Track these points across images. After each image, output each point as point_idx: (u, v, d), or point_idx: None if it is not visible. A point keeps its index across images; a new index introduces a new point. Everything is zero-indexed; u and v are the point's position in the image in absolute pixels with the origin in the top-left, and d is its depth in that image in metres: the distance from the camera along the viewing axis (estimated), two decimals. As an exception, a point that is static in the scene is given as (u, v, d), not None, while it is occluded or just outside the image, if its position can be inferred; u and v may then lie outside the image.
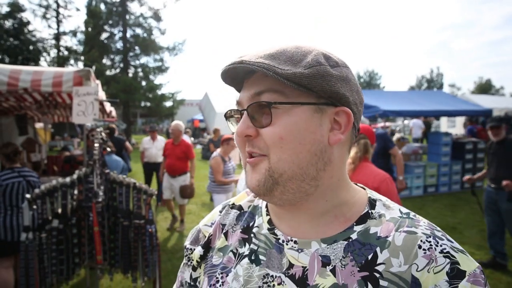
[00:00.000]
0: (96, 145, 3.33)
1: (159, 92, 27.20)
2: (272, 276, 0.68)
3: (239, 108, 0.70)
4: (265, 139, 0.64)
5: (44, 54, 29.36)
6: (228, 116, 0.75)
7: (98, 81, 4.42)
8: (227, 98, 18.18)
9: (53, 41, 30.05)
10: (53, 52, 30.10)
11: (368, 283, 0.61)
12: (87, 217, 3.28)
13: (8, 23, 27.65)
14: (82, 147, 12.98)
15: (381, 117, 8.73)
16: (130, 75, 27.54)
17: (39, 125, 9.35)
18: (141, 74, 27.99)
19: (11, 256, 3.64)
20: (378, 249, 0.64)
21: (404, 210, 0.71)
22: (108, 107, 6.46)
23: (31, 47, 28.28)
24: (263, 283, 0.68)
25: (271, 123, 0.64)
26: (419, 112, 9.09)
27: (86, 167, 3.34)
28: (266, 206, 0.78)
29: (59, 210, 3.20)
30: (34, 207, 3.05)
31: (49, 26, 31.00)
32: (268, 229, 0.74)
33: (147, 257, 3.36)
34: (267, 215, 0.77)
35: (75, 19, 54.57)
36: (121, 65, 27.84)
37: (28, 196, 3.06)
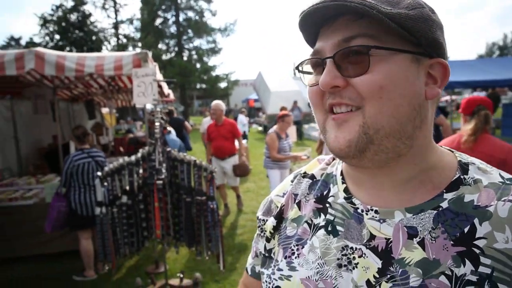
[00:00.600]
0: (157, 124, 3.43)
1: (214, 74, 27.71)
2: (351, 248, 0.62)
3: (320, 57, 0.61)
4: (360, 89, 0.56)
5: (105, 43, 31.02)
6: (300, 68, 0.67)
7: (155, 63, 4.54)
8: (281, 76, 18.01)
9: (113, 30, 31.63)
10: (113, 41, 31.74)
11: (466, 260, 0.54)
12: (152, 194, 3.43)
13: (73, 17, 29.50)
14: (144, 129, 13.67)
15: (445, 89, 8.08)
16: (185, 58, 28.30)
17: (105, 110, 9.97)
18: (195, 56, 28.64)
19: (88, 228, 3.99)
20: (476, 221, 0.55)
21: (507, 175, 0.61)
22: (166, 89, 6.66)
23: (93, 38, 30.03)
24: (342, 255, 0.63)
25: (367, 71, 0.56)
26: (490, 82, 8.26)
27: (149, 146, 3.47)
28: (341, 174, 0.72)
29: (127, 187, 3.38)
30: (105, 184, 3.25)
31: (108, 16, 32.62)
32: (345, 198, 0.68)
33: (209, 232, 3.45)
34: (342, 183, 0.70)
35: (131, 7, 57.03)
36: (176, 48, 28.67)
37: (99, 173, 3.26)
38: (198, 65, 27.93)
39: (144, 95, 3.73)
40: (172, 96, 7.94)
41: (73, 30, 29.30)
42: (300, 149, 7.14)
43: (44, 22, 29.24)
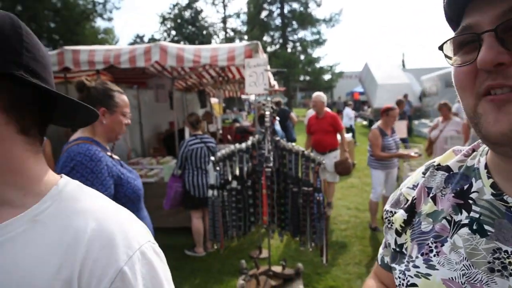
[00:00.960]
0: (267, 113, 3.48)
1: (318, 66, 27.43)
2: (506, 251, 0.55)
3: (475, 32, 0.52)
4: None
5: (214, 37, 33.04)
6: (444, 47, 0.58)
7: (265, 54, 4.63)
8: (389, 68, 16.97)
9: (221, 24, 33.54)
10: (221, 34, 33.63)
11: None
12: (260, 181, 3.51)
13: (187, 14, 32.11)
14: (249, 119, 14.20)
15: None
16: (289, 50, 28.53)
17: (214, 100, 10.61)
18: (299, 48, 28.71)
19: (200, 208, 4.30)
20: None
21: None
22: (272, 80, 6.77)
23: (204, 32, 32.24)
24: (494, 258, 0.55)
25: None
26: None
27: (259, 135, 3.55)
28: (486, 167, 0.63)
29: (237, 173, 3.51)
30: (217, 168, 3.42)
31: (217, 11, 34.59)
32: (493, 195, 0.59)
33: (314, 224, 3.40)
34: (488, 178, 0.61)
35: (238, 1, 59.75)
36: (280, 41, 29.08)
37: (212, 158, 3.45)
38: (302, 57, 27.95)
39: (256, 85, 3.83)
40: (277, 87, 8.07)
41: (186, 26, 31.95)
42: (410, 146, 6.60)
43: (163, 20, 32.39)
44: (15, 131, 0.57)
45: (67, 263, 0.51)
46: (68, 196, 0.59)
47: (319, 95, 5.69)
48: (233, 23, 40.57)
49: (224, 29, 33.14)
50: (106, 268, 0.51)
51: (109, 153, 1.72)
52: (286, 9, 28.81)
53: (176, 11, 32.13)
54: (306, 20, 27.75)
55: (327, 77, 28.31)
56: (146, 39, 33.25)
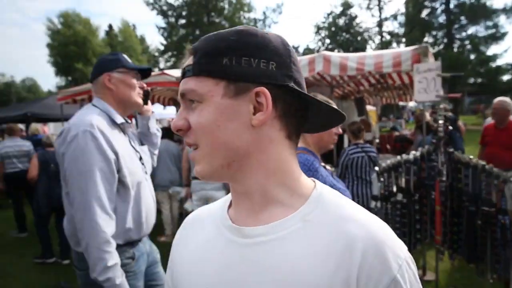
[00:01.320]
0: (441, 122, 3.20)
1: (493, 65, 23.48)
2: None
3: None
4: None
5: (370, 42, 32.07)
6: None
7: (433, 58, 4.27)
8: None
9: (376, 29, 32.31)
10: (377, 39, 32.37)
11: None
12: (429, 195, 3.24)
13: (341, 21, 32.15)
14: (409, 128, 13.22)
15: None
16: (455, 49, 25.35)
17: (369, 108, 10.28)
18: (468, 46, 25.16)
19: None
20: None
21: None
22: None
23: (358, 38, 31.66)
24: None
25: None
26: None
27: (429, 145, 3.29)
28: None
29: (403, 185, 3.32)
30: (382, 179, 3.31)
31: (372, 15, 33.44)
32: None
33: (498, 251, 2.94)
34: None
35: (395, 3, 56.33)
36: (445, 40, 26.12)
37: (377, 169, 3.36)
38: (471, 56, 24.41)
39: (426, 91, 3.56)
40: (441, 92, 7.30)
41: (340, 33, 31.97)
42: None
43: (317, 29, 33.19)
44: (284, 136, 0.64)
45: (343, 265, 0.56)
46: (329, 201, 0.64)
47: (503, 101, 4.80)
48: (389, 26, 38.60)
49: (380, 33, 31.78)
50: (381, 275, 0.54)
51: (322, 164, 1.76)
52: (452, 3, 25.71)
53: (330, 19, 32.50)
54: (478, 13, 24.09)
55: (506, 77, 23.93)
56: (301, 49, 34.63)
